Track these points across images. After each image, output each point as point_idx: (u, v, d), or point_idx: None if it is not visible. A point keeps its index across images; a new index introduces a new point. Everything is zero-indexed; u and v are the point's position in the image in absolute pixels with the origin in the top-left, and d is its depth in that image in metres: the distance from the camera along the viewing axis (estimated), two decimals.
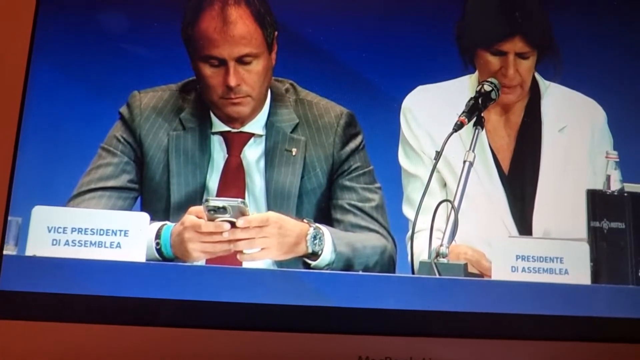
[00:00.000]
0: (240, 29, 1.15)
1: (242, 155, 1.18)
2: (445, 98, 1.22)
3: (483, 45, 1.22)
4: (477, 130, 1.17)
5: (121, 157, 1.16)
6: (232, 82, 1.14)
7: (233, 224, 1.05)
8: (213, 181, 1.16)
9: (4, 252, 1.02)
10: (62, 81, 1.14)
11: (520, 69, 1.21)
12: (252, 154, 1.18)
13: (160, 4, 1.20)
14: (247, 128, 1.18)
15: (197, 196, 1.15)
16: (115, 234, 1.03)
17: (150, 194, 1.16)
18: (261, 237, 1.07)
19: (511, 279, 1.07)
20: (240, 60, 1.15)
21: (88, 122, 1.16)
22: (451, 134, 1.15)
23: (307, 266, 1.11)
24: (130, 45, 1.18)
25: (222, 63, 1.15)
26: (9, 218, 1.03)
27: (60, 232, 1.02)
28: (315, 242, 1.10)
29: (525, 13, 1.21)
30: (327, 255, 1.11)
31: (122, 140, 1.16)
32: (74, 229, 1.02)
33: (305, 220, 1.11)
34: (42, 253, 1.01)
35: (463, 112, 1.17)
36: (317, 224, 1.12)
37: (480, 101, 1.18)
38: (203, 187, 1.16)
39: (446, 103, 1.22)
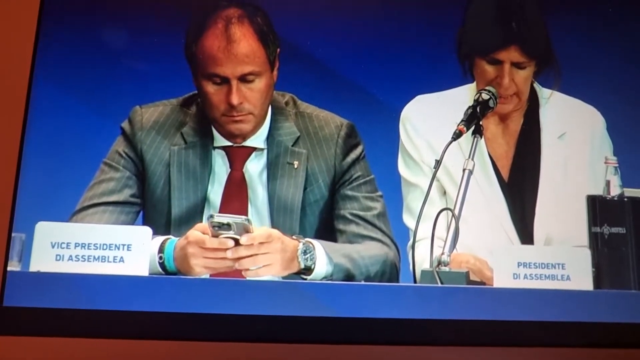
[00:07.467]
0: (244, 47, 1.15)
1: (244, 169, 1.18)
2: (444, 107, 1.23)
3: (480, 53, 1.22)
4: (476, 139, 1.17)
5: (123, 172, 1.16)
6: (235, 100, 1.15)
7: (237, 241, 1.05)
8: (214, 194, 1.17)
9: (8, 268, 1.02)
10: (64, 97, 1.15)
11: (516, 78, 1.21)
12: (254, 167, 1.19)
13: (161, 20, 1.21)
14: (248, 142, 1.19)
15: (197, 210, 1.16)
16: (119, 249, 1.04)
17: (151, 208, 1.17)
18: (264, 254, 1.06)
19: (513, 286, 1.06)
20: (243, 79, 1.15)
21: (90, 138, 1.17)
22: (450, 142, 1.15)
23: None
24: (132, 61, 1.19)
25: (225, 81, 1.15)
26: (13, 234, 1.04)
27: (63, 248, 1.03)
28: (305, 257, 1.09)
29: (522, 23, 1.22)
30: (321, 268, 1.10)
31: (124, 155, 1.17)
32: (77, 244, 1.03)
33: (294, 237, 1.11)
34: (46, 268, 1.02)
35: (462, 120, 1.17)
36: (308, 239, 1.11)
37: (478, 109, 1.18)
38: (204, 201, 1.16)
39: (445, 112, 1.22)
